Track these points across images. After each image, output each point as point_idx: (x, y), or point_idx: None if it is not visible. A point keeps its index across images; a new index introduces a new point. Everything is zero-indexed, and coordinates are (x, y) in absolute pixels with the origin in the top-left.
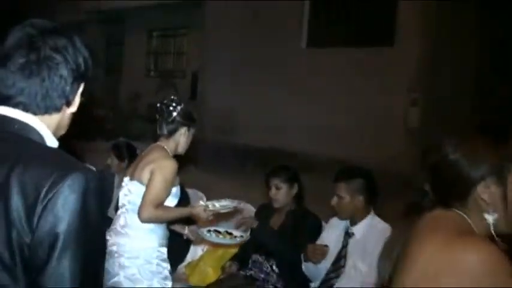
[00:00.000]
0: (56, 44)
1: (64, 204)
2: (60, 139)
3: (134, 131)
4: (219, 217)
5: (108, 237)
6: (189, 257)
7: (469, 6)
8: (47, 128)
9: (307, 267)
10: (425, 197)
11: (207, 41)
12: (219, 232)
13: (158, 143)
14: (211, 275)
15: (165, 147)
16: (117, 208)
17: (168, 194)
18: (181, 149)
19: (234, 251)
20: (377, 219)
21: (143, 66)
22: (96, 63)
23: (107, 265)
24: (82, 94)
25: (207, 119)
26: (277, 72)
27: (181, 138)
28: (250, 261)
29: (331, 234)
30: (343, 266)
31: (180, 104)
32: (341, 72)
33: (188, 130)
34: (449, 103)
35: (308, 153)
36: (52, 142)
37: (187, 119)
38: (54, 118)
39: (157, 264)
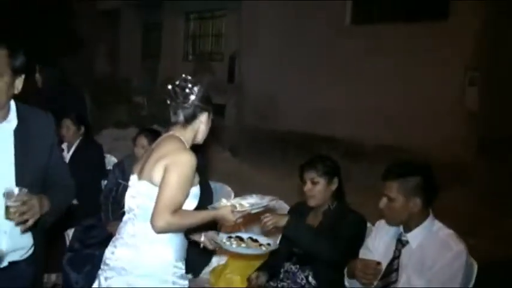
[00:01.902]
0: None
1: None
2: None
3: (169, 116)
4: (249, 219)
5: (112, 249)
6: (214, 261)
7: None
8: None
9: (351, 283)
10: None
11: (246, 22)
12: (242, 239)
13: (171, 132)
14: (239, 284)
15: (181, 137)
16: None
17: (186, 195)
18: (201, 138)
19: (264, 257)
20: (438, 224)
21: (181, 50)
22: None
23: (110, 283)
24: None
25: (245, 103)
26: (320, 53)
27: (201, 126)
28: (282, 270)
29: (379, 241)
30: (395, 282)
31: (197, 85)
32: (389, 51)
33: (209, 116)
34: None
35: (355, 139)
36: None
37: (208, 102)
38: None
39: (173, 283)
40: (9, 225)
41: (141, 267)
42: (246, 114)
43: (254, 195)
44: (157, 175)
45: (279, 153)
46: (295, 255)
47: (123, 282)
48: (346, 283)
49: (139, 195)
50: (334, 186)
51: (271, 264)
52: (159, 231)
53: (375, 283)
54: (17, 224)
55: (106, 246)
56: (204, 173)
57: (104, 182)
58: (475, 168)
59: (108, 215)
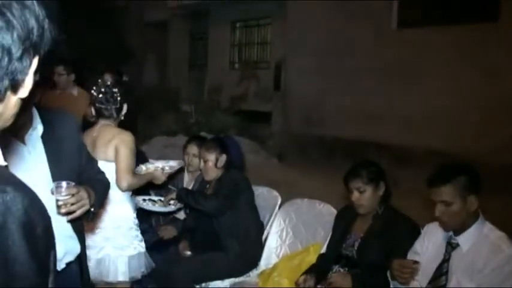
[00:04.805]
0: None
1: None
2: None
3: (216, 124)
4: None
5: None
6: (262, 265)
7: None
8: None
9: (394, 284)
10: None
11: (291, 30)
12: (154, 201)
13: (105, 123)
14: (287, 287)
15: (114, 125)
16: None
17: (135, 162)
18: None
19: (312, 260)
20: (488, 226)
21: (227, 59)
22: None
23: (88, 242)
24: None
25: (292, 110)
26: (366, 58)
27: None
28: (330, 273)
29: (428, 244)
30: (444, 285)
31: (116, 87)
32: (438, 54)
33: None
34: None
35: (403, 144)
36: None
37: (127, 95)
38: None
39: (136, 230)
40: (58, 227)
41: (113, 222)
42: (293, 121)
43: (170, 160)
44: (111, 153)
45: (326, 159)
46: (343, 258)
47: (99, 237)
48: (391, 285)
49: None
50: (381, 191)
51: (319, 267)
52: (125, 190)
53: (419, 284)
54: (64, 215)
55: (157, 250)
56: (242, 169)
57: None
58: None
59: (159, 220)
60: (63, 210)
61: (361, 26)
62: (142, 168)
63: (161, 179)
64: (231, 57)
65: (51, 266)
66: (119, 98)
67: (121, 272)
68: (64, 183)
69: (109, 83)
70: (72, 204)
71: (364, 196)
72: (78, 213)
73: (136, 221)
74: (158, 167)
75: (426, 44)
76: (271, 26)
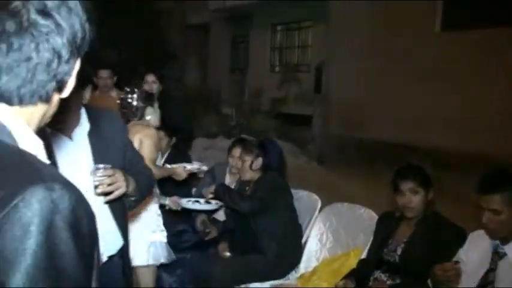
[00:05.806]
0: (43, 4)
1: (16, 234)
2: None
3: (257, 127)
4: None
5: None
6: (302, 268)
7: None
8: (25, 124)
9: None
10: None
11: (332, 32)
12: (197, 201)
13: (133, 123)
14: None
15: (139, 123)
16: None
17: (157, 154)
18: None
19: (352, 265)
20: None
21: (268, 62)
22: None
23: None
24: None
25: (332, 113)
26: (409, 60)
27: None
28: (371, 278)
29: (472, 252)
30: None
31: (135, 91)
32: (482, 57)
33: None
34: None
35: (445, 149)
36: (29, 145)
37: (150, 99)
38: (39, 109)
39: (157, 219)
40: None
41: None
42: (333, 124)
43: (196, 162)
44: (136, 145)
45: (366, 162)
46: (385, 263)
47: None
48: None
49: None
50: (430, 195)
51: (359, 272)
52: None
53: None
54: (100, 195)
55: (197, 250)
56: (281, 172)
57: (193, 189)
58: None
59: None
60: (99, 190)
61: (404, 28)
62: (167, 166)
63: (182, 175)
64: (272, 60)
65: (95, 264)
66: (134, 103)
67: (139, 257)
68: (101, 165)
69: (129, 89)
70: (109, 185)
71: (416, 198)
72: (115, 194)
73: (159, 212)
74: (181, 166)
75: (470, 46)
76: (312, 28)
